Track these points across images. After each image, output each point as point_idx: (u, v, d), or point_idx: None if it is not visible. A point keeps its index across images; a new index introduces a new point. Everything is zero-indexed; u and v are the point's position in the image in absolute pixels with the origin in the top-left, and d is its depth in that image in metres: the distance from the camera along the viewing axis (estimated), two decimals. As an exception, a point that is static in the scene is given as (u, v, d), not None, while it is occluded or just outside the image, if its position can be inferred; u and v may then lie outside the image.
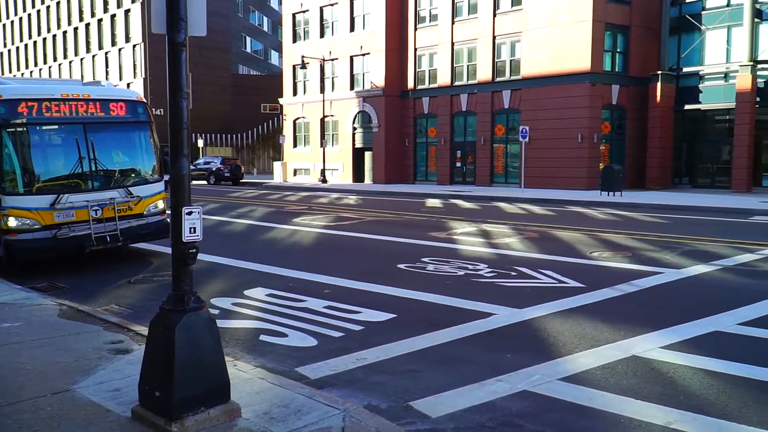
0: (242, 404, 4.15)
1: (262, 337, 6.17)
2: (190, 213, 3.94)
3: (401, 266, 9.81)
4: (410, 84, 37.82)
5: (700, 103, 30.95)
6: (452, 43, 35.47)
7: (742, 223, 15.96)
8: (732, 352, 5.60)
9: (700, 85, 30.99)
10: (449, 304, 7.42)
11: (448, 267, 9.74)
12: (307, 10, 41.90)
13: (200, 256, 10.26)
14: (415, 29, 37.30)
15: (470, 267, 9.71)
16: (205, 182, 40.05)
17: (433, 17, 36.48)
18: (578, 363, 5.37)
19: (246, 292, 8.05)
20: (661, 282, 8.60)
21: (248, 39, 74.13)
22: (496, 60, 33.63)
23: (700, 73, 30.90)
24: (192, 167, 42.02)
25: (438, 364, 5.42)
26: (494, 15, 33.33)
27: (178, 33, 3.99)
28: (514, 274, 9.17)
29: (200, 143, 48.01)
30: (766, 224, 15.87)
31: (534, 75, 31.55)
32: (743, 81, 28.27)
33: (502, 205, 22.47)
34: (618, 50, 31.33)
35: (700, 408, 4.40)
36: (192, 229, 3.94)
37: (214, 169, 40.14)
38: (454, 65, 35.62)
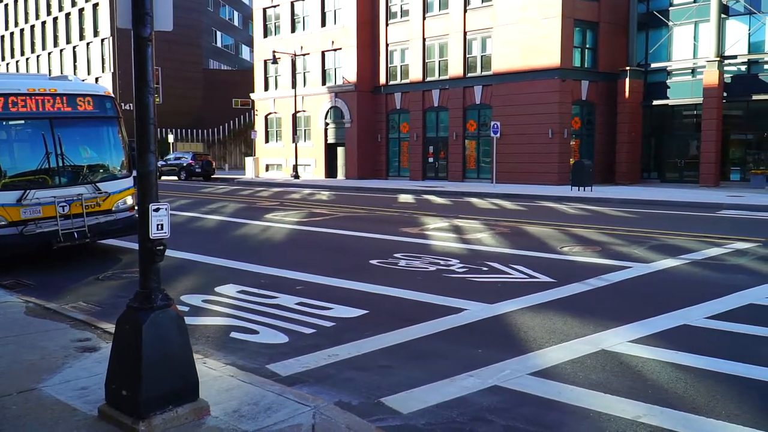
0: (211, 402, 4.10)
1: (233, 334, 6.10)
2: (157, 209, 3.87)
3: (373, 262, 9.80)
4: (382, 79, 37.78)
5: (668, 98, 31.55)
6: (423, 39, 35.52)
7: (710, 218, 16.32)
8: (700, 345, 5.71)
9: (667, 81, 31.57)
10: (421, 300, 7.43)
11: (420, 262, 9.76)
12: (278, 5, 41.53)
13: (170, 253, 10.08)
14: (387, 24, 37.25)
15: (442, 262, 9.75)
16: (175, 178, 39.51)
17: (405, 13, 36.47)
18: (548, 357, 5.42)
19: (217, 289, 7.96)
20: (630, 276, 8.75)
21: (219, 33, 73.22)
22: (467, 56, 33.78)
23: (668, 68, 31.47)
24: (162, 163, 41.63)
25: (409, 360, 5.42)
26: (465, 11, 33.45)
27: (143, 28, 3.92)
28: (485, 269, 9.23)
29: (171, 138, 47.27)
30: (733, 218, 16.27)
31: (505, 71, 31.78)
32: (710, 76, 28.86)
33: (474, 200, 22.61)
34: (587, 46, 31.72)
35: (668, 401, 4.48)
36: (159, 226, 3.87)
37: (185, 164, 39.61)
38: (426, 61, 35.68)
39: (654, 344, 5.72)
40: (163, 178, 40.27)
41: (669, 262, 9.68)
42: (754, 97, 29.12)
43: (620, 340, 5.85)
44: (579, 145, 31.78)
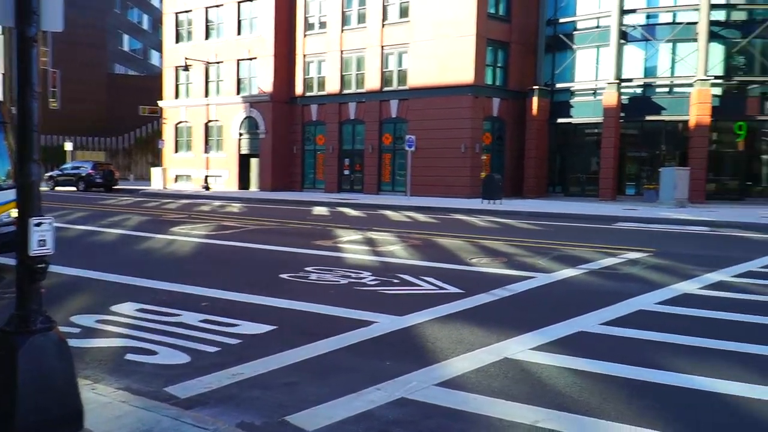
0: (98, 431, 3.86)
1: (129, 356, 5.80)
2: (39, 224, 3.62)
3: (284, 276, 9.67)
4: (298, 90, 37.60)
5: (571, 117, 33.33)
6: (341, 51, 35.71)
7: (607, 229, 17.33)
8: (595, 350, 6.01)
9: (572, 101, 33.37)
10: (331, 314, 7.39)
11: (331, 276, 9.73)
12: (191, 10, 40.47)
13: (62, 270, 9.49)
14: (304, 35, 37.18)
15: (354, 275, 9.76)
16: (74, 189, 37.33)
17: (322, 24, 36.56)
18: (454, 367, 5.53)
19: (113, 308, 7.55)
20: (533, 286, 9.12)
21: (126, 37, 70.29)
22: (384, 70, 34.26)
23: (572, 89, 33.28)
24: (58, 172, 39.27)
25: (317, 376, 5.37)
26: (383, 25, 33.97)
27: (28, 27, 3.67)
28: (396, 281, 9.32)
29: (68, 146, 44.62)
30: (628, 230, 17.35)
31: (420, 86, 32.48)
32: (610, 97, 30.78)
33: (389, 213, 22.85)
34: (498, 65, 33.02)
35: (564, 405, 4.67)
36: (41, 242, 3.62)
37: (83, 174, 37.54)
38: (343, 73, 35.86)
39: (553, 351, 5.97)
40: (58, 188, 38.01)
41: (569, 272, 10.18)
42: (648, 118, 31.34)
43: (522, 348, 6.06)
44: (490, 159, 32.92)
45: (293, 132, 37.67)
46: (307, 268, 10.27)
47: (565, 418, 4.46)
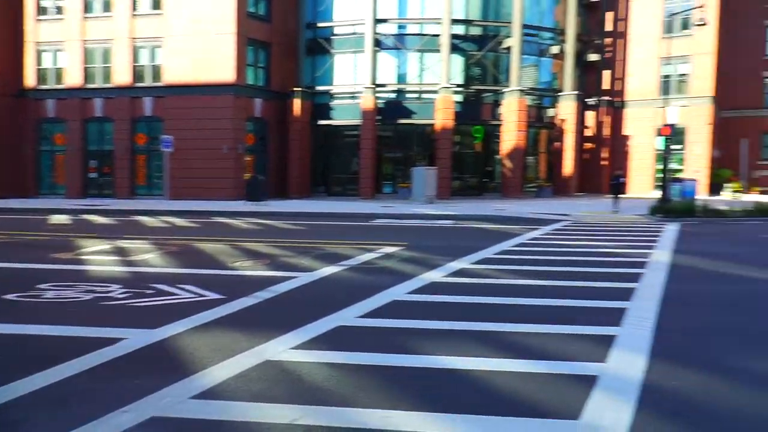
0: None
1: None
2: None
3: (10, 297, 8.39)
4: (30, 82, 33.12)
5: (332, 119, 34.67)
6: (83, 41, 32.35)
7: (366, 226, 18.39)
8: (352, 342, 6.30)
9: (332, 103, 34.70)
10: (71, 335, 6.61)
11: (72, 292, 8.72)
12: None
13: None
14: (36, 20, 32.87)
15: (100, 289, 8.87)
16: None
17: (59, 10, 32.74)
18: (213, 376, 5.33)
19: None
20: (296, 286, 9.26)
21: None
22: (135, 64, 31.91)
23: (332, 92, 34.63)
24: None
25: (51, 407, 4.74)
26: (132, 16, 31.59)
27: None
28: (150, 292, 8.72)
29: None
30: (384, 226, 18.62)
31: (178, 83, 30.93)
32: (367, 101, 32.68)
33: (144, 218, 21.34)
34: (260, 65, 32.93)
35: (322, 400, 4.79)
36: None
37: None
38: (87, 65, 32.56)
39: (313, 348, 6.11)
40: None
41: (330, 270, 10.56)
42: (401, 121, 34.03)
43: (283, 348, 6.09)
44: (254, 160, 32.69)
45: (24, 129, 33.07)
46: (41, 286, 9.05)
47: (322, 411, 4.58)
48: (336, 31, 34.29)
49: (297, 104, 32.99)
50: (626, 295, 8.38)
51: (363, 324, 7.05)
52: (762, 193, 37.01)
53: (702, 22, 25.03)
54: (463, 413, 4.50)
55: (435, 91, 33.27)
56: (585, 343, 6.20)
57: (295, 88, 33.14)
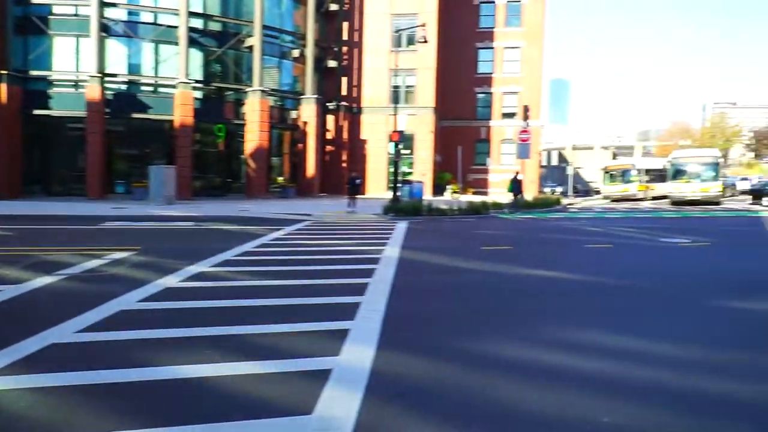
0: None
1: None
2: None
3: None
4: None
5: (51, 109, 30.77)
6: None
7: (93, 230, 16.65)
8: (67, 361, 5.60)
9: (50, 91, 30.83)
10: None
11: None
12: None
13: None
14: None
15: None
16: None
17: None
18: None
19: None
20: (-1, 301, 7.95)
21: None
22: None
23: (50, 78, 30.74)
24: None
25: None
26: None
27: None
28: None
29: None
30: (116, 229, 17.08)
31: None
32: (93, 91, 29.66)
33: None
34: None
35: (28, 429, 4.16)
36: None
37: None
38: None
39: (18, 372, 5.29)
40: None
41: (46, 280, 9.30)
42: (135, 115, 31.63)
43: (-22, 377, 5.16)
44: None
45: None
46: None
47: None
48: (55, 10, 30.47)
49: (3, 90, 28.51)
50: (360, 290, 8.91)
51: (83, 339, 6.33)
52: (475, 193, 42.86)
53: (423, 40, 27.97)
54: (198, 423, 4.31)
55: (173, 86, 31.63)
56: (320, 339, 6.43)
57: (1, 72, 28.60)
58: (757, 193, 36.52)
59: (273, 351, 5.96)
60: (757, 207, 33.07)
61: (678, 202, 35.05)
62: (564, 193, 50.24)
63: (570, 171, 56.96)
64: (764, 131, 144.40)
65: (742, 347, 6.41)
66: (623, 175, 43.31)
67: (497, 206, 27.45)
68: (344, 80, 42.38)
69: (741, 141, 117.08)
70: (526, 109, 32.46)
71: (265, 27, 34.77)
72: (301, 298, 8.32)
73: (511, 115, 47.62)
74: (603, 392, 5.04)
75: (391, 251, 13.39)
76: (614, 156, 74.13)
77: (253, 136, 34.07)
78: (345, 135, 41.75)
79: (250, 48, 34.40)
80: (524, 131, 30.25)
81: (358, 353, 5.90)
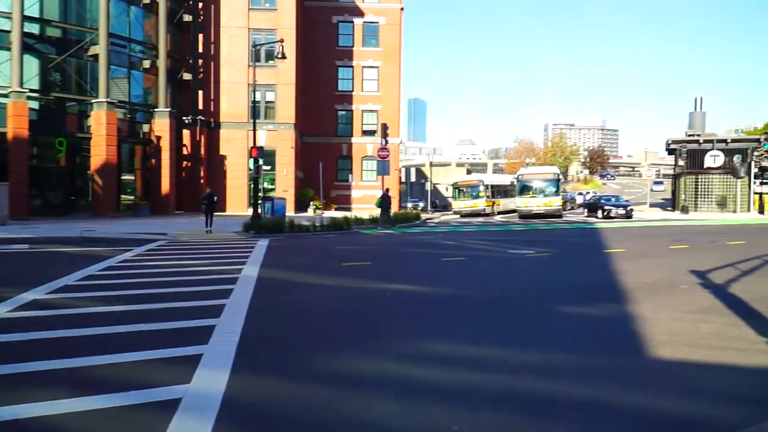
0: None
1: None
2: None
3: None
4: None
5: None
6: None
7: None
8: None
9: None
10: None
11: None
12: None
13: None
14: None
15: None
16: None
17: None
18: None
19: None
20: None
21: None
22: None
23: None
24: None
25: None
26: None
27: None
28: None
29: None
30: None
31: None
32: None
33: None
34: None
35: None
36: None
37: None
38: None
39: None
40: None
41: None
42: (-43, 127, 28.24)
43: None
44: None
45: None
46: None
47: None
48: None
49: None
50: (216, 312, 8.59)
51: None
52: (338, 209, 43.19)
53: (282, 56, 27.83)
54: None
55: (5, 95, 28.74)
56: (171, 367, 6.09)
57: None
58: (592, 207, 40.31)
59: (117, 383, 5.55)
60: (592, 219, 36.57)
61: (525, 216, 37.74)
62: (423, 208, 52.32)
63: (428, 187, 59.53)
64: (597, 150, 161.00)
65: (579, 350, 7.00)
66: (472, 191, 44.84)
67: (359, 222, 27.86)
68: (201, 94, 40.99)
69: (578, 159, 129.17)
70: (384, 126, 33.31)
71: (111, 35, 32.75)
72: (150, 323, 7.85)
73: (371, 133, 48.76)
74: (455, 401, 5.25)
75: (250, 270, 13.08)
76: (468, 172, 78.49)
77: (100, 150, 31.81)
78: (203, 150, 40.31)
79: (95, 57, 32.20)
80: (383, 149, 31.06)
81: (211, 379, 5.66)
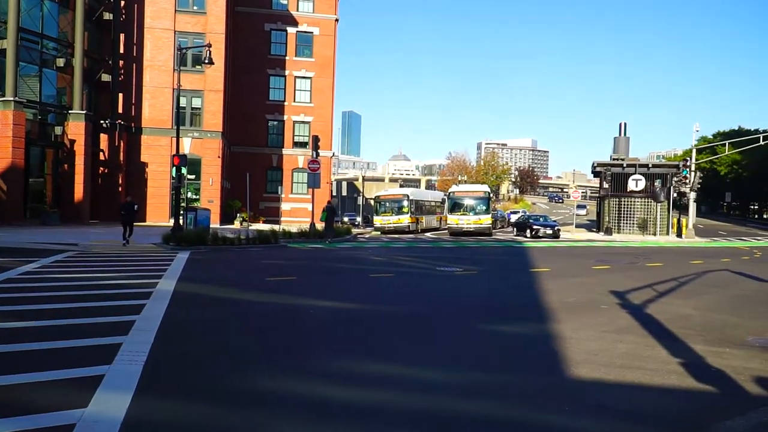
0: None
1: None
2: None
3: None
4: None
5: None
6: None
7: None
8: None
9: None
10: None
11: None
12: None
13: None
14: None
15: None
16: None
17: None
18: None
19: None
20: None
21: None
22: None
23: None
24: None
25: None
26: None
27: None
28: None
29: None
30: None
31: None
32: None
33: None
34: None
35: None
36: None
37: None
38: None
39: None
40: None
41: None
42: None
43: None
44: None
45: None
46: None
47: None
48: None
49: None
50: (125, 329, 8.21)
51: None
52: (266, 222, 42.53)
53: (209, 61, 27.26)
54: None
55: None
56: (68, 389, 5.75)
57: None
58: (521, 226, 41.47)
59: (5, 408, 5.17)
60: (521, 238, 37.61)
61: (456, 233, 38.35)
62: (354, 223, 52.24)
63: (361, 201, 59.65)
64: (527, 170, 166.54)
65: (498, 369, 7.10)
66: (396, 205, 43.16)
67: (288, 235, 27.52)
68: (121, 97, 39.60)
69: (509, 179, 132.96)
70: (316, 138, 33.12)
71: (22, 30, 31.20)
72: (49, 341, 7.40)
73: (303, 144, 48.48)
74: (370, 422, 5.20)
75: (167, 284, 12.62)
76: (401, 188, 79.14)
77: (5, 153, 30.09)
78: (122, 156, 38.86)
79: (3, 52, 30.55)
80: (314, 161, 30.90)
81: (112, 402, 5.37)
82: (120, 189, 38.25)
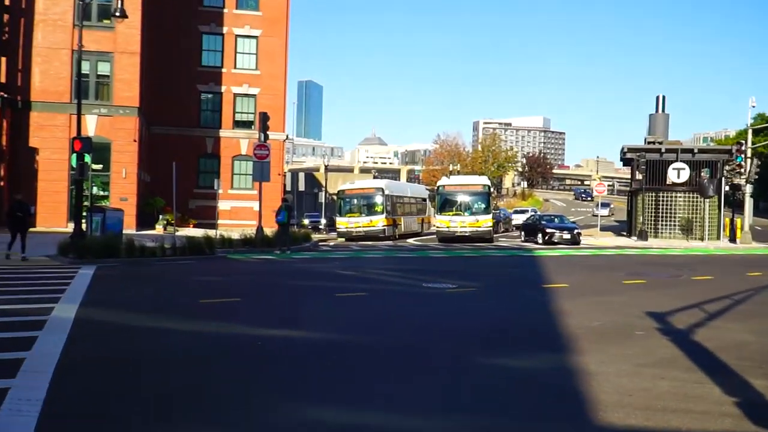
0: None
1: None
2: None
3: None
4: None
5: None
6: None
7: None
8: None
9: None
10: None
11: None
12: None
13: None
14: None
15: None
16: None
17: None
18: None
19: None
20: None
21: None
22: None
23: None
24: None
25: None
26: None
27: None
28: None
29: None
30: None
31: None
32: None
33: None
34: None
35: None
36: None
37: None
38: None
39: None
40: None
41: None
42: None
43: None
44: None
45: None
46: None
47: None
48: None
49: None
50: (11, 370, 8.08)
51: None
52: (198, 226, 42.22)
53: (121, 14, 26.79)
54: None
55: None
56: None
57: None
58: (530, 229, 41.45)
59: None
60: (530, 244, 37.82)
61: (446, 239, 38.46)
62: (318, 227, 51.73)
63: (323, 198, 59.27)
64: (537, 157, 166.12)
65: (506, 415, 7.11)
66: (367, 203, 42.44)
67: (228, 243, 27.37)
68: (3, 61, 38.99)
69: (515, 168, 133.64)
70: (264, 116, 32.93)
71: None
72: None
73: (247, 124, 48.30)
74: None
75: (65, 310, 12.46)
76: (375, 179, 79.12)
77: None
78: (4, 140, 38.26)
79: None
80: (261, 146, 30.81)
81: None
82: (1, 183, 37.66)
